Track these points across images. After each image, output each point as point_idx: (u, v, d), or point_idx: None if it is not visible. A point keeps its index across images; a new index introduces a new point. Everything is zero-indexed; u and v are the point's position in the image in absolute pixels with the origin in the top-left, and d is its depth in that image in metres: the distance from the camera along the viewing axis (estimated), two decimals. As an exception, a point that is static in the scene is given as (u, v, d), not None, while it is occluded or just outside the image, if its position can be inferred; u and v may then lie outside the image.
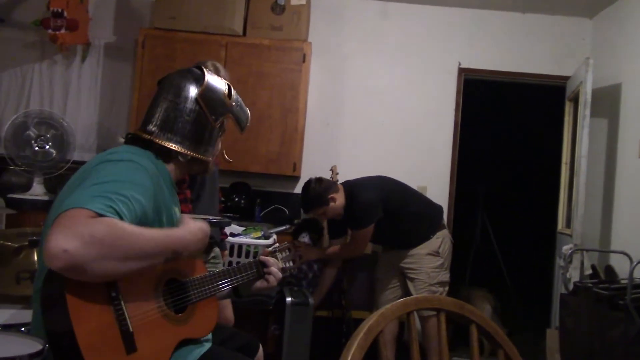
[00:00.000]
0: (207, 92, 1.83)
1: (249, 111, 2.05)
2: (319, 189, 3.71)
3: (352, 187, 3.82)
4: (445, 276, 3.88)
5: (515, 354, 1.37)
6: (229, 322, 2.97)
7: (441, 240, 3.90)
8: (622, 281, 3.28)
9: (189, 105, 1.80)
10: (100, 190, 1.44)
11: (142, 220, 1.54)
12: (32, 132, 4.37)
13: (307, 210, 3.81)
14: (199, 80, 1.84)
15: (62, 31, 4.56)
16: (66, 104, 4.97)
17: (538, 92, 5.72)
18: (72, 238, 1.30)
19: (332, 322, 4.17)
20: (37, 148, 4.39)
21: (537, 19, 5.13)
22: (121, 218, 1.43)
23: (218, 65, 2.90)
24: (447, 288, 3.90)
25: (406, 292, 3.91)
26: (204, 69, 1.88)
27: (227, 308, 3.00)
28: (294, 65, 4.72)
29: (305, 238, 4.22)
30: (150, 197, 1.58)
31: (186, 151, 1.79)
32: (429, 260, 3.83)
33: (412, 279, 3.84)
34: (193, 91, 1.81)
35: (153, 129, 1.77)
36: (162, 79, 1.87)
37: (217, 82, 1.89)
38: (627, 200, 4.25)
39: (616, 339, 2.95)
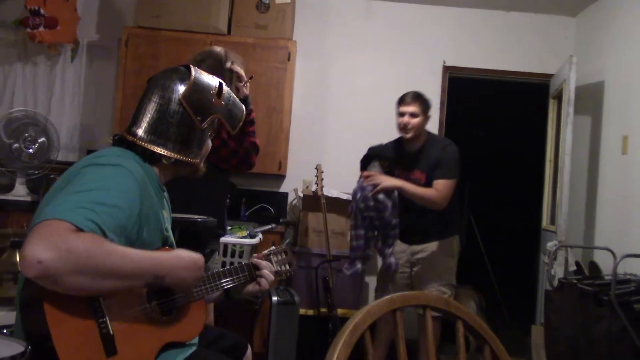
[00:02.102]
0: (192, 93, 1.77)
1: (244, 107, 1.99)
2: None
3: (438, 136, 3.80)
4: (453, 279, 3.81)
5: (501, 350, 1.37)
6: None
7: (457, 243, 3.85)
8: (606, 277, 3.31)
9: (173, 106, 1.74)
10: (83, 200, 1.42)
11: (129, 228, 1.53)
12: (12, 135, 4.32)
13: (415, 98, 3.68)
14: (184, 80, 1.77)
15: (41, 29, 4.52)
16: (50, 104, 4.92)
17: (522, 90, 5.76)
18: (48, 249, 1.30)
19: (319, 321, 4.17)
20: (22, 149, 4.34)
21: (520, 17, 5.16)
22: (103, 231, 1.41)
23: (223, 51, 2.83)
24: (454, 292, 3.79)
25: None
26: (192, 67, 1.81)
27: (210, 314, 2.94)
28: (279, 63, 4.71)
29: (375, 167, 3.84)
30: (137, 204, 1.56)
31: (170, 154, 1.73)
32: (444, 260, 3.74)
33: (423, 274, 3.73)
34: (177, 92, 1.75)
35: (137, 131, 1.73)
36: (150, 78, 1.82)
37: (205, 80, 1.83)
38: (610, 196, 4.29)
39: (601, 334, 2.97)
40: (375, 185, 3.54)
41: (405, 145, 3.76)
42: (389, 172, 3.72)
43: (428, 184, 3.59)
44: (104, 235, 1.42)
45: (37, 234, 1.32)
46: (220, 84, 1.86)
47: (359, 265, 3.68)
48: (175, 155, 1.75)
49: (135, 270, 1.45)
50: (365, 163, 3.85)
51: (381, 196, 3.58)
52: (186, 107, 1.75)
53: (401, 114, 3.70)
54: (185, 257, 1.60)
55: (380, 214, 3.59)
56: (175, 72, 1.80)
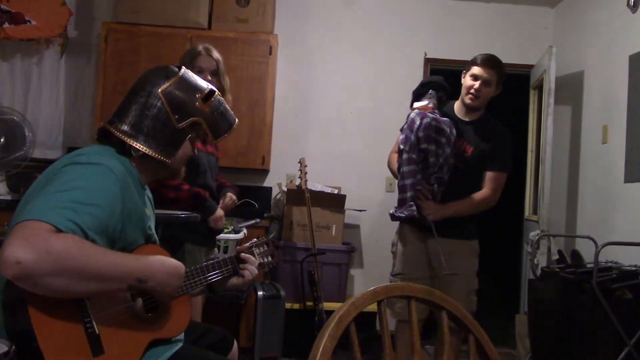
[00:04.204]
0: (174, 90, 1.73)
1: (234, 120, 1.88)
2: None
3: (494, 117, 3.26)
4: (477, 283, 3.31)
5: (485, 340, 1.38)
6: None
7: (478, 244, 3.36)
8: (588, 265, 3.34)
9: (151, 99, 1.71)
10: (63, 200, 1.41)
11: (111, 227, 1.52)
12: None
13: (496, 64, 3.18)
14: (170, 76, 1.75)
15: (5, 25, 4.46)
16: (27, 100, 4.85)
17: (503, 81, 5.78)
18: (27, 250, 1.29)
19: (305, 314, 4.18)
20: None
21: (500, 9, 5.18)
22: (84, 231, 1.40)
23: (210, 47, 2.93)
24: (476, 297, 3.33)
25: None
26: (183, 67, 1.80)
27: (196, 311, 2.94)
28: (260, 57, 4.69)
29: (432, 97, 3.24)
30: (118, 202, 1.55)
31: (139, 146, 1.68)
32: (472, 263, 3.27)
33: (450, 281, 3.12)
34: (159, 86, 1.72)
35: (115, 121, 1.71)
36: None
37: (194, 82, 1.79)
38: (591, 185, 4.33)
39: (583, 322, 3.00)
40: (432, 113, 3.14)
41: (456, 110, 3.27)
42: (442, 103, 3.27)
43: (473, 159, 3.17)
44: (85, 235, 1.41)
45: (16, 235, 1.32)
46: (212, 90, 1.81)
47: (414, 207, 3.10)
48: (144, 149, 1.69)
49: (117, 272, 1.43)
50: (421, 92, 3.30)
51: (447, 128, 3.09)
52: (164, 101, 1.71)
53: (474, 77, 3.16)
54: (168, 262, 1.58)
55: (440, 149, 3.07)
56: (164, 69, 1.79)
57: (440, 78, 3.35)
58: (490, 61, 3.17)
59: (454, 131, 3.12)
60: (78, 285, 1.37)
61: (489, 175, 3.21)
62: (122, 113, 1.72)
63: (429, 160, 3.09)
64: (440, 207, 3.14)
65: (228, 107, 1.89)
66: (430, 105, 3.21)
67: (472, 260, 3.27)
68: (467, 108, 3.22)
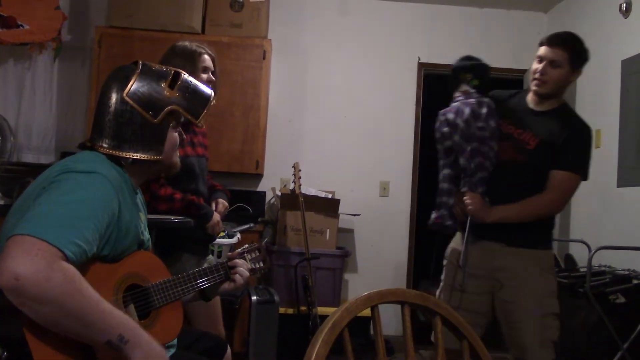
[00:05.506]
0: (138, 88, 1.69)
1: (210, 93, 1.83)
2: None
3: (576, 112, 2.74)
4: (557, 306, 2.57)
5: (479, 345, 1.38)
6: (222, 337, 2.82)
7: (553, 255, 2.77)
8: (582, 269, 3.35)
9: (120, 106, 1.67)
10: (66, 216, 1.41)
11: (107, 235, 1.52)
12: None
13: (564, 41, 2.62)
14: (130, 76, 1.70)
15: None
16: (20, 105, 4.83)
17: (497, 86, 5.79)
18: (30, 270, 1.28)
19: (299, 319, 4.17)
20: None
21: (493, 14, 5.21)
22: (86, 253, 1.41)
23: (204, 46, 2.91)
24: (559, 324, 2.57)
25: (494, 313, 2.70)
26: (139, 62, 1.75)
27: (219, 325, 2.90)
28: (254, 62, 4.70)
29: (464, 87, 2.73)
30: (115, 210, 1.55)
31: (127, 154, 1.68)
32: (544, 278, 2.56)
33: (514, 298, 2.56)
34: (121, 90, 1.68)
35: (95, 137, 1.70)
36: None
37: (155, 73, 1.74)
38: (584, 190, 4.32)
39: (577, 326, 3.01)
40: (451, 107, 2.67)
41: (529, 98, 2.71)
42: (479, 90, 2.71)
43: (537, 153, 2.58)
44: (86, 256, 1.42)
45: (23, 250, 1.31)
46: (175, 73, 1.77)
47: (448, 222, 2.63)
48: (132, 155, 1.69)
49: (102, 322, 1.39)
50: (454, 82, 2.79)
51: (451, 115, 2.61)
52: (132, 104, 1.68)
53: (539, 59, 2.63)
54: (155, 343, 1.50)
55: (453, 140, 2.57)
56: (121, 71, 1.74)
57: (475, 62, 2.81)
58: (556, 38, 2.63)
59: (467, 110, 2.59)
60: (60, 321, 1.35)
61: (555, 175, 2.58)
62: (99, 128, 1.70)
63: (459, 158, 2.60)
64: (486, 207, 2.55)
65: (198, 83, 1.83)
66: (459, 99, 2.70)
67: (540, 274, 2.56)
68: (537, 96, 2.67)
